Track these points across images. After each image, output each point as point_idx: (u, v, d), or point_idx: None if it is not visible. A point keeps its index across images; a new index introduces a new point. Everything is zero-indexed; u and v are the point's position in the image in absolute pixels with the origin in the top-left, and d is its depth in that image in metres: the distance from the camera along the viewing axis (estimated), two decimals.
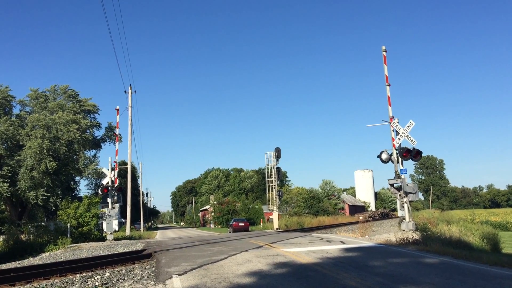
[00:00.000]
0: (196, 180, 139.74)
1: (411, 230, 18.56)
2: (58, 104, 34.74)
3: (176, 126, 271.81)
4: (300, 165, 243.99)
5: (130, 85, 39.21)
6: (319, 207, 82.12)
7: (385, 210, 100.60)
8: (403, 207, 18.81)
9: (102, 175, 32.97)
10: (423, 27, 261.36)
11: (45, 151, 30.36)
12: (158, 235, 45.48)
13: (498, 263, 10.60)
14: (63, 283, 10.47)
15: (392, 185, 19.10)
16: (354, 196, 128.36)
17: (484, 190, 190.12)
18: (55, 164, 30.95)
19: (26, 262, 18.25)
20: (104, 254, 18.08)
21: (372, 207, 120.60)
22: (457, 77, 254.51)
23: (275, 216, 43.50)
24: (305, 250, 14.16)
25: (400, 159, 18.72)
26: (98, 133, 38.23)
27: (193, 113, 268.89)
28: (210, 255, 14.11)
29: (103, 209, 31.26)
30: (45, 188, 31.24)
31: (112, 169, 29.64)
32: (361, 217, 74.92)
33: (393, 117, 19.38)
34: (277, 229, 41.43)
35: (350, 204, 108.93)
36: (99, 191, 29.46)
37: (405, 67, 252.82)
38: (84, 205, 29.62)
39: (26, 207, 34.25)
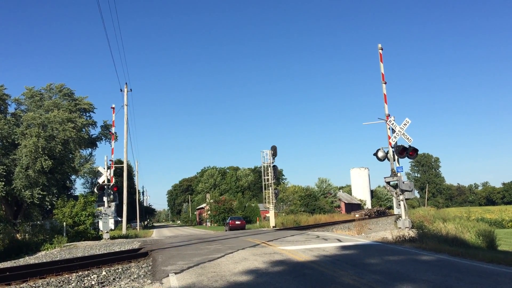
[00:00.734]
0: (192, 178, 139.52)
1: (407, 227, 18.60)
2: (53, 103, 34.61)
3: (172, 125, 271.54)
4: (296, 163, 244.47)
5: (126, 83, 39.12)
6: (315, 205, 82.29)
7: (381, 208, 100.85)
8: (399, 205, 18.85)
9: (98, 174, 32.89)
10: (417, 25, 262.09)
11: (40, 150, 30.23)
12: (155, 234, 45.45)
13: (494, 260, 10.64)
14: (59, 282, 10.42)
15: (388, 183, 19.16)
16: (350, 194, 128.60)
17: (480, 188, 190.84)
18: (50, 163, 30.83)
19: (22, 261, 18.17)
20: (100, 253, 18.04)
21: (368, 205, 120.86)
22: (452, 75, 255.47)
23: (271, 214, 43.54)
24: (301, 248, 14.17)
25: (396, 157, 18.76)
26: (94, 131, 38.14)
27: (189, 112, 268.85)
28: (206, 253, 14.10)
29: (99, 208, 31.15)
30: (41, 187, 31.13)
31: (108, 168, 29.53)
32: (357, 215, 75.00)
33: (389, 115, 19.42)
34: (273, 227, 41.47)
35: (346, 202, 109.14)
36: (95, 189, 29.36)
37: (400, 65, 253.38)
38: (80, 204, 29.51)
39: (22, 206, 34.12)
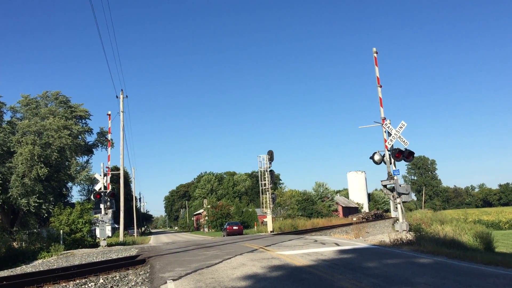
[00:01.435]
0: (189, 184, 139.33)
1: (404, 230, 18.60)
2: (49, 110, 34.54)
3: (169, 131, 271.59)
4: (293, 168, 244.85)
5: (122, 90, 39.10)
6: (312, 209, 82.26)
7: (378, 211, 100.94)
8: (396, 208, 18.86)
9: (94, 181, 32.72)
10: (413, 28, 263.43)
11: (36, 158, 30.13)
12: (152, 240, 45.26)
13: (491, 262, 10.66)
14: None
15: (385, 186, 19.17)
16: (347, 197, 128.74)
17: (476, 190, 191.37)
18: (46, 171, 30.72)
19: (18, 270, 18.05)
20: (97, 260, 17.95)
21: (366, 208, 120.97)
22: (448, 77, 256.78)
23: (269, 219, 43.44)
24: (299, 253, 14.15)
25: (392, 160, 18.78)
26: (90, 138, 38.09)
27: (185, 118, 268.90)
28: (204, 259, 14.06)
29: (96, 215, 31.01)
30: (37, 194, 31.00)
31: (105, 175, 29.44)
32: (354, 219, 75.02)
33: (385, 118, 19.46)
34: (271, 232, 41.39)
35: (343, 205, 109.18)
36: (92, 197, 29.26)
37: (396, 68, 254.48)
38: (77, 211, 29.37)
39: (18, 214, 33.95)
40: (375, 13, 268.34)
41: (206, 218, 78.93)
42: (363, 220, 73.76)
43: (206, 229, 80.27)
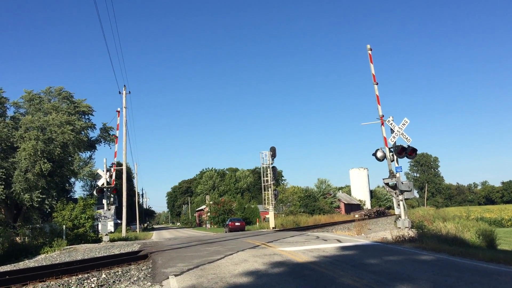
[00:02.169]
0: (191, 180, 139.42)
1: (407, 227, 18.59)
2: (52, 106, 34.60)
3: (171, 127, 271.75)
4: (295, 164, 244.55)
5: (125, 85, 39.06)
6: (314, 206, 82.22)
7: (380, 208, 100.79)
8: (398, 205, 18.83)
9: (97, 177, 32.81)
10: (415, 25, 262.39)
11: (39, 153, 30.20)
12: (154, 236, 45.39)
13: (494, 259, 10.64)
14: (59, 286, 10.41)
15: (387, 183, 19.14)
16: (350, 194, 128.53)
17: (479, 187, 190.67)
18: (49, 166, 30.79)
19: (21, 265, 18.13)
20: (100, 255, 18.00)
21: (368, 205, 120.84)
22: (451, 74, 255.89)
23: (271, 216, 43.51)
24: (301, 249, 14.16)
25: (395, 157, 18.74)
26: (93, 134, 38.15)
27: (188, 114, 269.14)
28: (206, 255, 14.08)
29: (98, 211, 31.09)
30: (40, 190, 31.09)
31: (108, 170, 29.47)
32: (356, 215, 75.05)
33: (383, 116, 19.35)
34: (273, 228, 41.46)
35: (345, 202, 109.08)
36: (95, 192, 29.32)
37: (399, 65, 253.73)
38: (80, 206, 29.46)
39: (21, 209, 34.08)
40: (379, 9, 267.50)
41: (208, 214, 79.04)
42: (365, 217, 73.72)
43: (208, 225, 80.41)
